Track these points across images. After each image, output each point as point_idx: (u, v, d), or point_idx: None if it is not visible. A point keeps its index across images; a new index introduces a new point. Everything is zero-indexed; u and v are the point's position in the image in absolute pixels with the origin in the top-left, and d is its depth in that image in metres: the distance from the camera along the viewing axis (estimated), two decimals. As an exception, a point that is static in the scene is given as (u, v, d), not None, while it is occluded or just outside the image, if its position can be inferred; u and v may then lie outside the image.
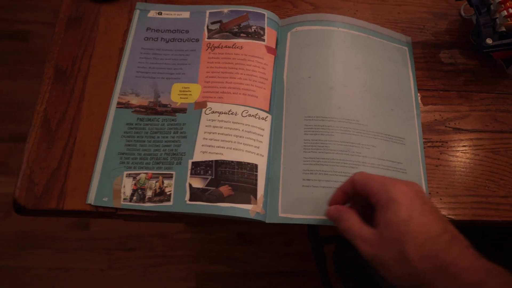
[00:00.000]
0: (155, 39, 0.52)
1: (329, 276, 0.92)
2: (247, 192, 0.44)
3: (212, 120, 0.47)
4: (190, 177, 0.44)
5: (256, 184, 0.44)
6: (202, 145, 0.46)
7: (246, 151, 0.46)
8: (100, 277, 1.12)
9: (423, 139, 0.50)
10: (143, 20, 0.53)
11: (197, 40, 0.52)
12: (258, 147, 0.46)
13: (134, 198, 0.43)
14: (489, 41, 0.50)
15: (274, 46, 0.53)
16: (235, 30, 0.53)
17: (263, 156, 0.46)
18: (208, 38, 0.53)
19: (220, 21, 0.53)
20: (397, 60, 0.54)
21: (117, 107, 0.47)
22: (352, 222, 0.37)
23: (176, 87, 0.49)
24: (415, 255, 0.32)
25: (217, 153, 0.45)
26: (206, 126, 0.47)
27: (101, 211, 0.43)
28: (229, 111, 0.48)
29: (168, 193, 0.43)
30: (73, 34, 0.51)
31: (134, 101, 0.48)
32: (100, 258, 1.14)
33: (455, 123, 0.52)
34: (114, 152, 0.45)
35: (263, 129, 0.47)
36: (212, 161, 0.45)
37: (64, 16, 0.52)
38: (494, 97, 0.54)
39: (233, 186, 0.44)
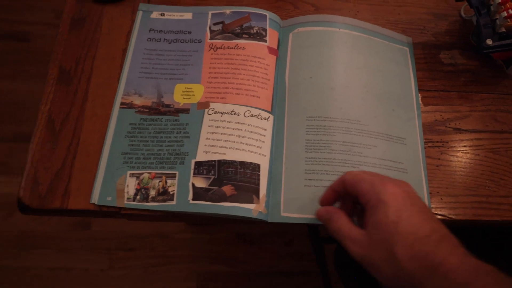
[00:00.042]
0: (158, 40, 0.53)
1: (329, 276, 0.92)
2: (249, 191, 0.44)
3: (215, 120, 0.47)
4: (193, 176, 0.44)
5: (258, 184, 0.45)
6: (205, 145, 0.46)
7: (248, 151, 0.46)
8: (100, 277, 1.12)
9: (424, 139, 0.50)
10: (146, 21, 0.53)
11: (200, 41, 0.53)
12: (261, 147, 0.47)
13: (138, 197, 0.43)
14: (489, 41, 0.51)
15: (276, 47, 0.53)
16: (237, 31, 0.53)
17: (265, 156, 0.46)
18: (211, 39, 0.53)
19: (222, 22, 0.54)
20: (398, 61, 0.55)
21: (120, 108, 0.48)
22: (342, 223, 0.38)
23: (179, 88, 0.50)
24: (404, 256, 0.33)
25: (219, 153, 0.45)
26: (209, 126, 0.47)
27: (105, 210, 0.43)
28: (231, 111, 0.48)
29: (171, 192, 0.44)
30: (76, 35, 0.52)
31: (137, 101, 0.48)
32: (101, 258, 1.14)
33: (455, 124, 0.52)
34: (118, 152, 0.45)
35: (265, 129, 0.48)
36: (215, 161, 0.45)
37: (68, 17, 0.53)
38: (494, 98, 0.54)
39: (236, 186, 0.44)
